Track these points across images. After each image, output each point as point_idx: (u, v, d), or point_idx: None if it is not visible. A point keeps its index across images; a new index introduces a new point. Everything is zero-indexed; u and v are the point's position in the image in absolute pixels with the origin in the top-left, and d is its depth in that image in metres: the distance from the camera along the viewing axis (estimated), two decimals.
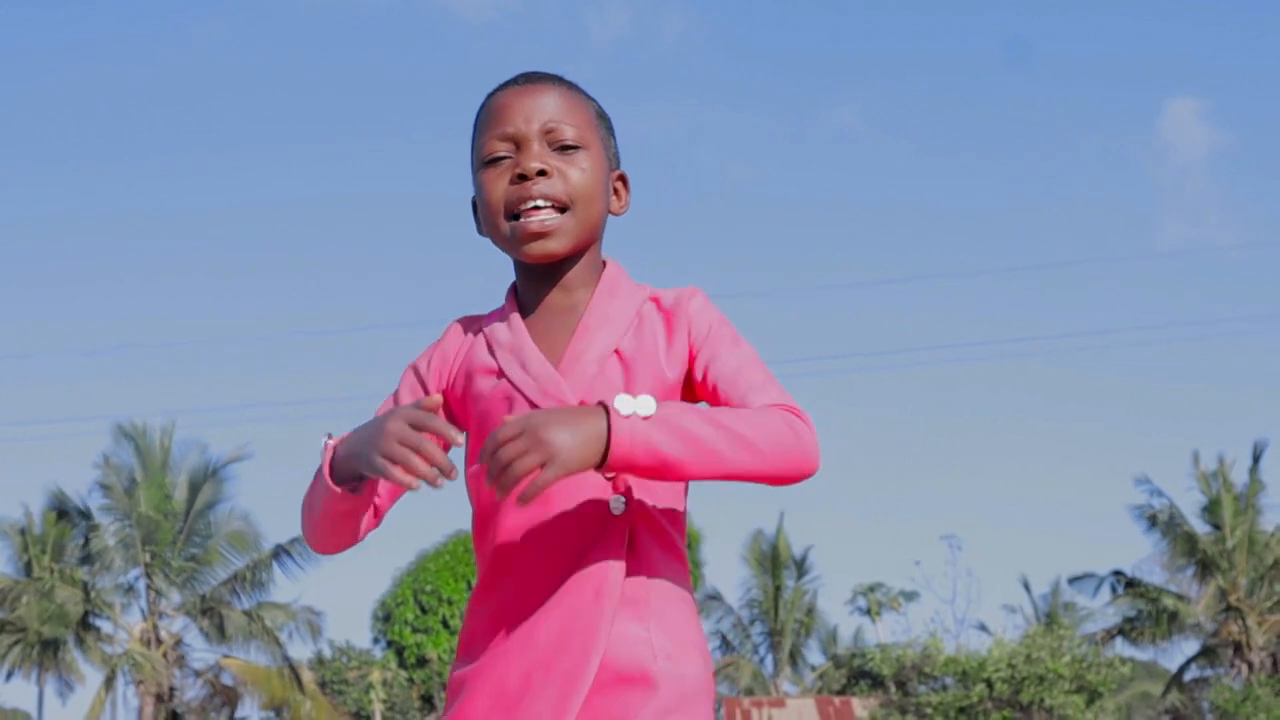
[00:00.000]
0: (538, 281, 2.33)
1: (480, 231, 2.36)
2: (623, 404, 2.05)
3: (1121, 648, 34.44)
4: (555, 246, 2.27)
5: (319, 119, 52.97)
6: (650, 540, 2.19)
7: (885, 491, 58.78)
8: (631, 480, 2.17)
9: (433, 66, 52.50)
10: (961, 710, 26.72)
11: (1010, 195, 55.88)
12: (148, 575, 32.81)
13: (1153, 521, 33.42)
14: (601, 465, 2.03)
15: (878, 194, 55.27)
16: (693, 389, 2.29)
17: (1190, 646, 34.40)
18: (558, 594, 2.13)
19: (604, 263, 2.38)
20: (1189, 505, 34.83)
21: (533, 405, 2.19)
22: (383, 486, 2.29)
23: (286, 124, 53.01)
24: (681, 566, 2.24)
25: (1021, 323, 55.24)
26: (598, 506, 2.17)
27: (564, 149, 2.28)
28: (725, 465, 2.09)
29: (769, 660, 41.72)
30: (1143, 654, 35.48)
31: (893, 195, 55.31)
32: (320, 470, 2.19)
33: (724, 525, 65.79)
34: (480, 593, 2.24)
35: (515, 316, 2.32)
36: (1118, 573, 34.79)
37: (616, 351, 2.26)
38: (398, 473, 2.00)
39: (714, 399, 2.25)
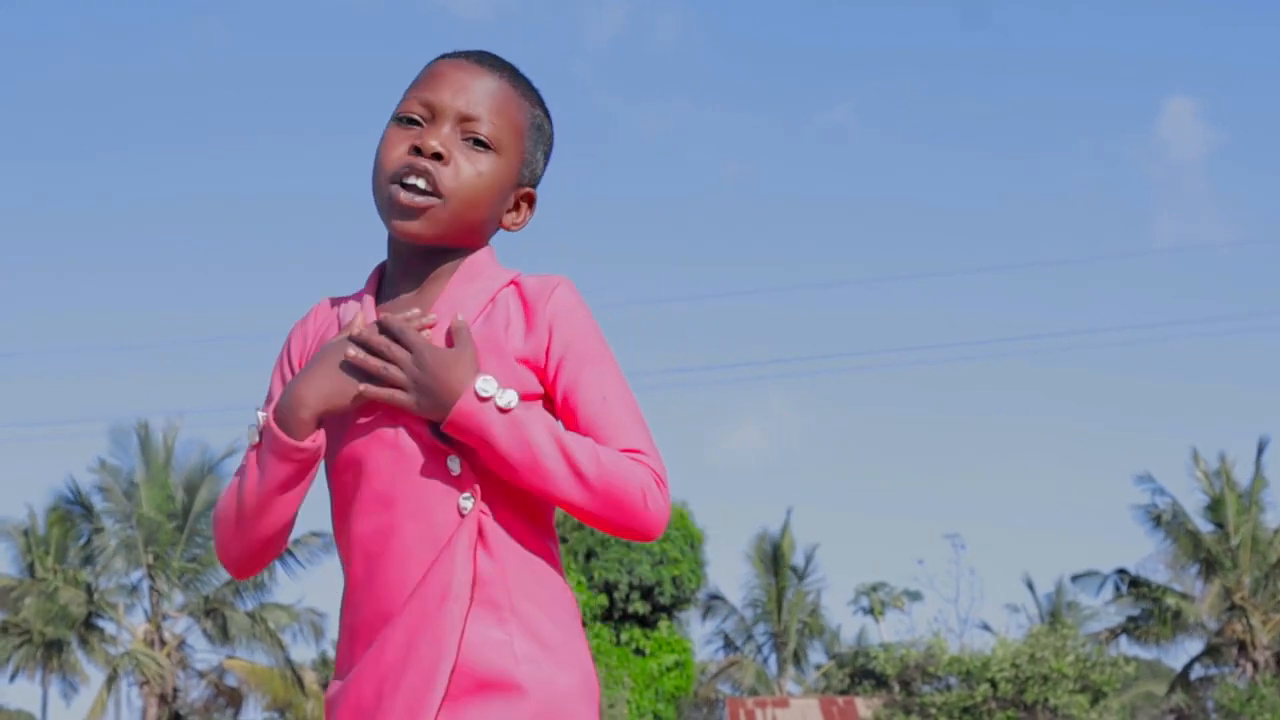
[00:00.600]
0: (403, 266, 2.22)
1: (371, 184, 2.24)
2: (486, 386, 2.04)
3: (1126, 647, 34.54)
4: (418, 229, 2.15)
5: (321, 114, 53.02)
6: (508, 540, 2.10)
7: (888, 491, 58.81)
8: (484, 479, 2.09)
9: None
10: (965, 710, 26.71)
11: (1008, 193, 55.90)
12: (150, 576, 32.82)
13: (1156, 520, 33.41)
14: (440, 424, 2.06)
15: (874, 192, 55.31)
16: (550, 402, 2.17)
17: (1195, 645, 34.45)
18: (408, 602, 2.05)
19: (471, 264, 2.24)
20: (1192, 504, 34.86)
21: (384, 407, 2.10)
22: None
23: (289, 117, 53.06)
24: (552, 567, 2.15)
25: (1022, 321, 55.25)
26: (448, 510, 2.07)
27: (476, 143, 2.18)
28: (554, 492, 2.06)
29: (772, 660, 41.72)
30: (1147, 653, 35.50)
31: (889, 193, 55.35)
32: (268, 445, 2.09)
33: (727, 525, 65.76)
34: (343, 606, 2.16)
35: (369, 300, 2.22)
36: (1121, 571, 34.81)
37: None
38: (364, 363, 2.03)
39: (571, 426, 2.14)
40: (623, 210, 53.74)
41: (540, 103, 2.27)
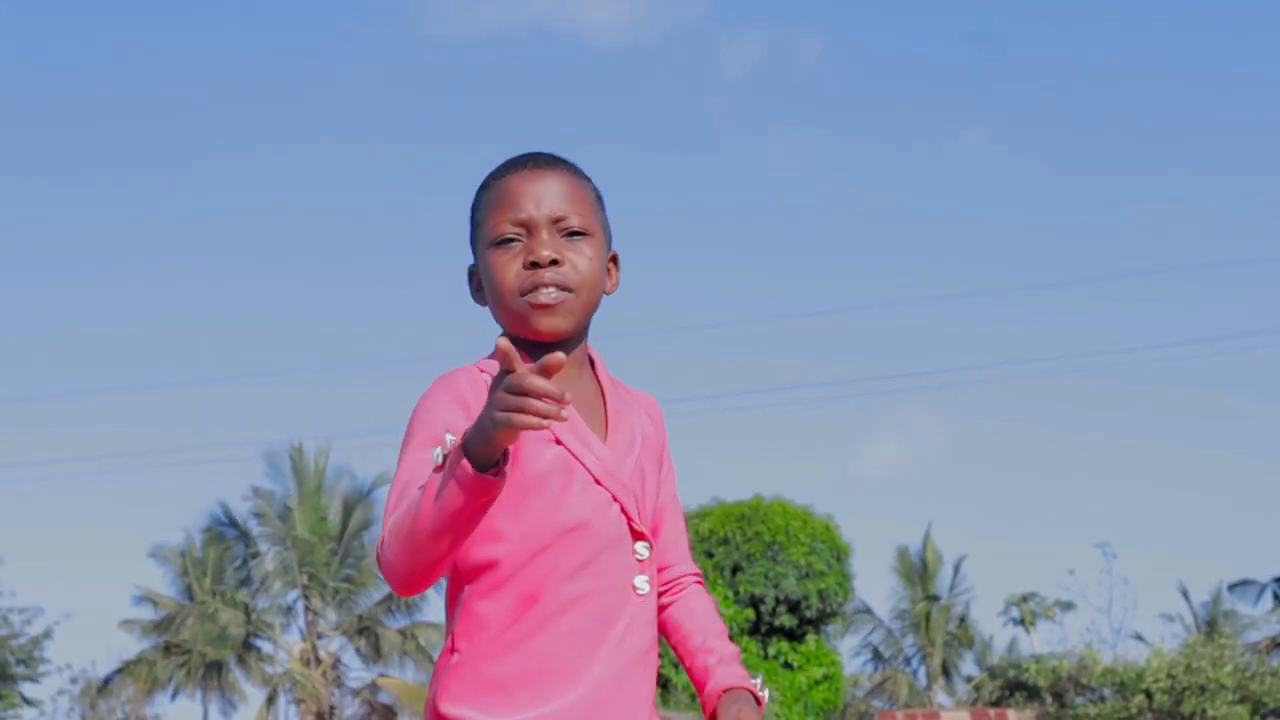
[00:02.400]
0: (540, 354, 2.34)
1: (476, 299, 2.47)
2: (761, 693, 2.44)
3: None
4: (563, 324, 2.37)
5: (467, 145, 53.50)
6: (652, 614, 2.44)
7: (1037, 500, 57.97)
8: (652, 566, 2.39)
9: (565, 95, 52.84)
10: None
11: (1160, 203, 54.86)
12: (305, 596, 33.39)
13: None
14: None
15: (1014, 209, 54.57)
16: None
17: None
18: (601, 660, 2.30)
19: (587, 349, 2.47)
20: None
21: (595, 480, 2.32)
22: None
23: (444, 148, 53.44)
24: None
25: (1175, 327, 54.20)
26: (628, 586, 2.36)
27: (571, 235, 2.38)
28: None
29: (921, 673, 41.36)
30: None
31: (1034, 209, 54.58)
32: (451, 471, 2.10)
33: (874, 538, 65.32)
34: (506, 645, 2.28)
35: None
36: None
37: (644, 437, 2.45)
38: (528, 418, 2.00)
39: (656, 535, 2.45)
40: (761, 230, 53.67)
41: (588, 176, 2.49)
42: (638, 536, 2.35)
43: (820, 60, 52.63)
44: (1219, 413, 54.78)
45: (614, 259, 2.50)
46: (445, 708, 2.26)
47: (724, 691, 2.40)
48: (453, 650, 2.30)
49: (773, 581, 31.20)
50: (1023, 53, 52.24)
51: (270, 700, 33.17)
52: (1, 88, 50.74)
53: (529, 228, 2.37)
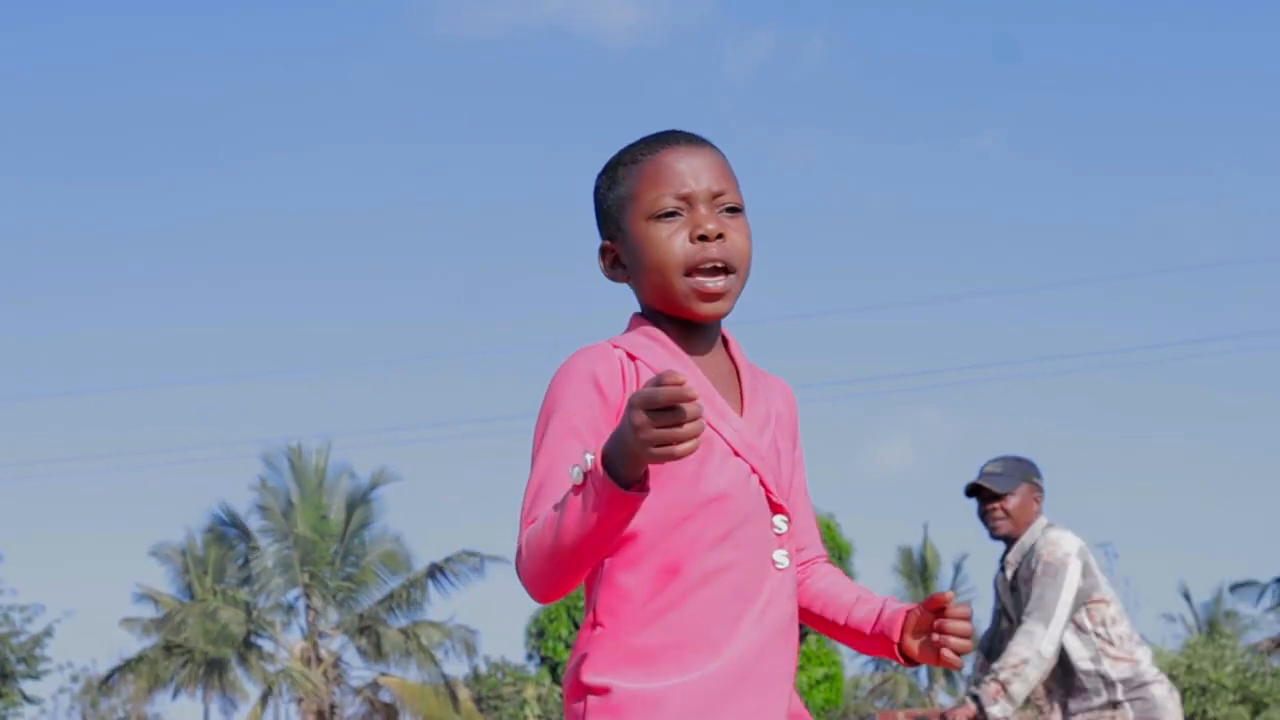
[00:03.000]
0: (685, 334, 2.40)
1: (611, 275, 2.45)
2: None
3: None
4: (726, 308, 2.38)
5: (476, 134, 53.33)
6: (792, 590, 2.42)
7: None
8: (791, 540, 2.39)
9: (572, 96, 52.77)
10: None
11: (1155, 203, 54.84)
12: (306, 595, 33.40)
13: None
14: None
15: (1016, 209, 54.51)
16: None
17: None
18: (743, 632, 2.29)
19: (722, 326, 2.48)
20: None
21: (735, 453, 2.31)
22: None
23: (447, 147, 53.25)
24: None
25: (1179, 327, 54.14)
26: (768, 559, 2.34)
27: (729, 210, 2.38)
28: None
29: (923, 673, 41.36)
30: None
31: (1038, 209, 54.53)
32: (595, 490, 2.08)
33: (875, 538, 65.32)
34: (649, 616, 2.27)
35: (686, 357, 2.38)
36: None
37: (777, 417, 2.43)
38: (688, 445, 1.99)
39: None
40: (767, 229, 53.59)
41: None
42: (776, 510, 2.34)
43: (828, 60, 52.60)
44: (1222, 412, 54.73)
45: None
46: (589, 678, 2.25)
47: (909, 610, 2.37)
48: (595, 624, 2.29)
49: None
50: (1034, 53, 52.20)
51: (265, 698, 33.18)
52: None
53: (690, 202, 2.36)
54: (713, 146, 2.43)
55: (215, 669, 33.86)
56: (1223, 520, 54.94)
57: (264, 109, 51.96)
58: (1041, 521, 5.86)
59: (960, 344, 53.86)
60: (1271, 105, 52.03)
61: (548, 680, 37.09)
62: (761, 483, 2.32)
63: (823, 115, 53.13)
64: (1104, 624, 5.66)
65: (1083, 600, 5.65)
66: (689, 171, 2.37)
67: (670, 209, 2.36)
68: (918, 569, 40.85)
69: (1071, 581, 5.61)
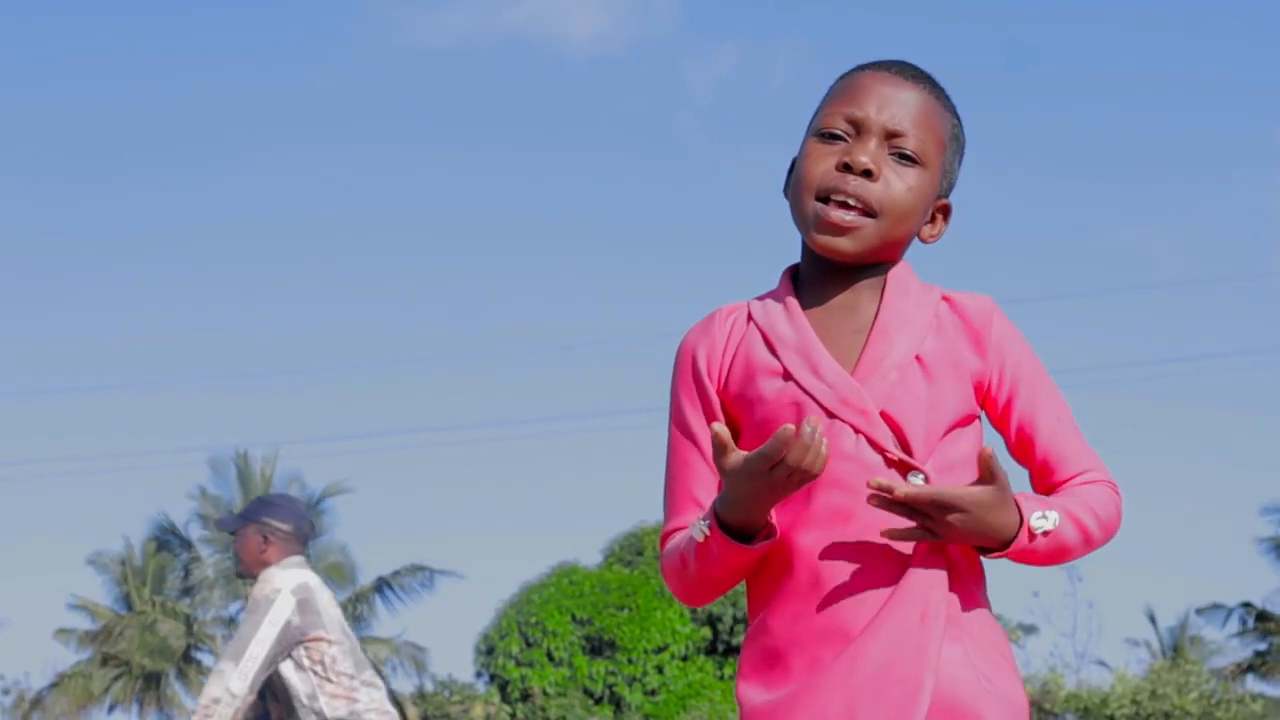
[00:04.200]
0: (824, 274, 2.21)
1: (785, 194, 2.26)
2: (1041, 524, 2.08)
3: (1252, 683, 33.59)
4: (847, 246, 2.16)
5: (427, 131, 52.91)
6: (961, 560, 2.12)
7: None
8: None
9: (534, 106, 52.32)
10: None
11: (1118, 219, 54.76)
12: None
13: None
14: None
15: (978, 225, 54.32)
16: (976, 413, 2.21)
17: None
18: (879, 617, 2.05)
19: (885, 277, 2.23)
20: None
21: (829, 414, 2.09)
22: None
23: (407, 150, 52.78)
24: (983, 581, 2.17)
25: (1143, 346, 54.00)
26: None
27: (902, 157, 2.17)
28: (1063, 561, 2.16)
29: None
30: (1275, 690, 34.34)
31: (997, 225, 54.33)
32: (719, 548, 2.08)
33: None
34: (776, 612, 2.13)
35: (797, 309, 2.20)
36: (1247, 605, 33.91)
37: (917, 357, 2.14)
38: (811, 471, 1.99)
39: (1018, 447, 2.21)
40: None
41: (956, 112, 2.28)
42: (906, 469, 2.08)
43: (792, 75, 52.24)
44: (1189, 434, 54.61)
45: (943, 208, 2.28)
46: (739, 687, 2.16)
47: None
48: (749, 625, 2.21)
49: (730, 599, 30.60)
50: (999, 68, 51.98)
51: None
52: None
53: (860, 129, 2.17)
54: (928, 88, 2.22)
55: (153, 683, 33.17)
56: (1188, 543, 54.80)
57: (219, 115, 51.50)
58: (286, 562, 5.93)
59: None
60: (1226, 123, 51.97)
61: (497, 699, 36.54)
62: (871, 442, 2.09)
63: (785, 130, 52.64)
64: (323, 662, 5.82)
65: (296, 638, 5.76)
66: (873, 99, 2.18)
67: (836, 130, 2.18)
68: None
69: (275, 618, 5.72)
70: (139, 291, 51.88)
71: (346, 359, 52.67)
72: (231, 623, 33.38)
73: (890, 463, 2.08)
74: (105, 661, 33.23)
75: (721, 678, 31.59)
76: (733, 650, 31.62)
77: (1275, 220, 53.75)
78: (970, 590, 2.12)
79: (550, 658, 36.76)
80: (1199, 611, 35.24)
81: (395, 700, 32.94)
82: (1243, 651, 34.59)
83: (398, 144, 52.18)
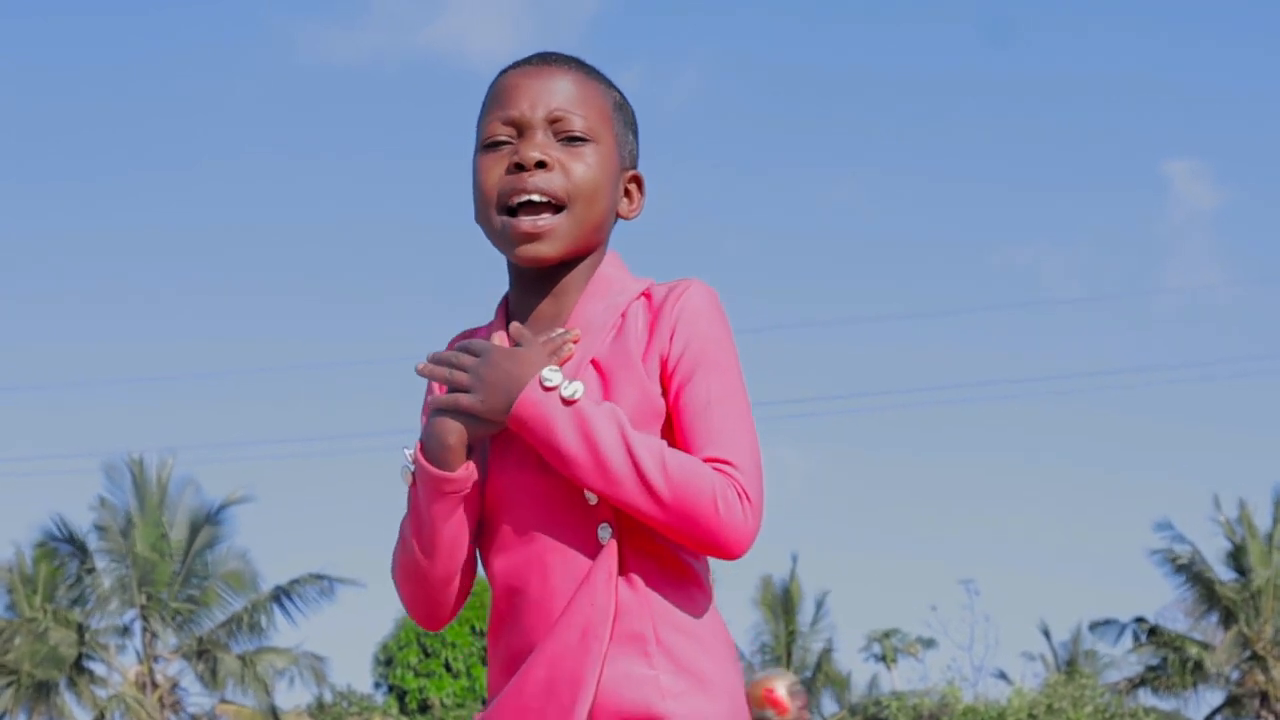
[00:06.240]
0: (529, 286, 2.17)
1: (476, 219, 2.19)
2: (551, 376, 2.00)
3: (1145, 698, 33.95)
4: (548, 250, 2.11)
5: (329, 147, 52.51)
6: (651, 568, 2.04)
7: (900, 534, 57.98)
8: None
9: (441, 120, 52.13)
10: None
11: (1017, 230, 55.38)
12: (144, 617, 32.22)
13: (1175, 567, 32.86)
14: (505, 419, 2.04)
15: (884, 230, 54.75)
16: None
17: (1215, 696, 33.82)
18: (548, 636, 2.01)
19: (596, 271, 2.19)
20: (1212, 551, 34.18)
21: (509, 433, 2.07)
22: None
23: (299, 146, 52.45)
24: (700, 594, 2.08)
25: (1036, 361, 54.59)
26: (587, 541, 2.03)
27: (570, 140, 2.13)
28: (620, 496, 1.98)
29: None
30: (1166, 704, 34.74)
31: (898, 232, 54.76)
32: (420, 481, 2.07)
33: (736, 570, 64.96)
34: (489, 637, 2.14)
35: (500, 334, 2.16)
36: (1140, 619, 34.23)
37: (593, 362, 2.08)
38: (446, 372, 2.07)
39: (675, 429, 2.07)
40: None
41: (613, 84, 2.23)
42: None
43: (695, 95, 52.36)
44: (1085, 450, 55.31)
45: (637, 180, 2.24)
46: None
47: None
48: None
49: None
50: (903, 89, 52.42)
51: None
52: None
53: (521, 128, 2.12)
54: (576, 68, 2.17)
55: (43, 692, 32.40)
56: (1082, 558, 55.48)
57: (129, 126, 50.69)
58: None
59: (824, 372, 53.93)
60: (1124, 141, 52.77)
61: (395, 709, 36.27)
62: None
63: (693, 146, 52.83)
64: None
65: None
66: (525, 95, 2.13)
67: (499, 138, 2.13)
68: (779, 601, 40.37)
69: None
70: (31, 295, 51.01)
71: (246, 364, 52.04)
72: (126, 632, 32.83)
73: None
74: None
75: None
76: None
77: (1166, 233, 54.67)
78: (671, 605, 2.04)
79: (449, 669, 36.55)
80: (1092, 627, 35.60)
81: (275, 714, 32.55)
82: (1136, 666, 34.98)
83: (301, 157, 51.88)
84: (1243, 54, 52.52)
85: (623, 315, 2.12)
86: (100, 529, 32.25)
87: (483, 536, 2.13)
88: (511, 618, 2.08)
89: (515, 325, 2.09)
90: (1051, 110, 52.87)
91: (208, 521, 32.63)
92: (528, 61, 2.17)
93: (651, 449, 1.98)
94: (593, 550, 2.02)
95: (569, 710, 1.96)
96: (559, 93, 2.13)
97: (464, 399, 2.03)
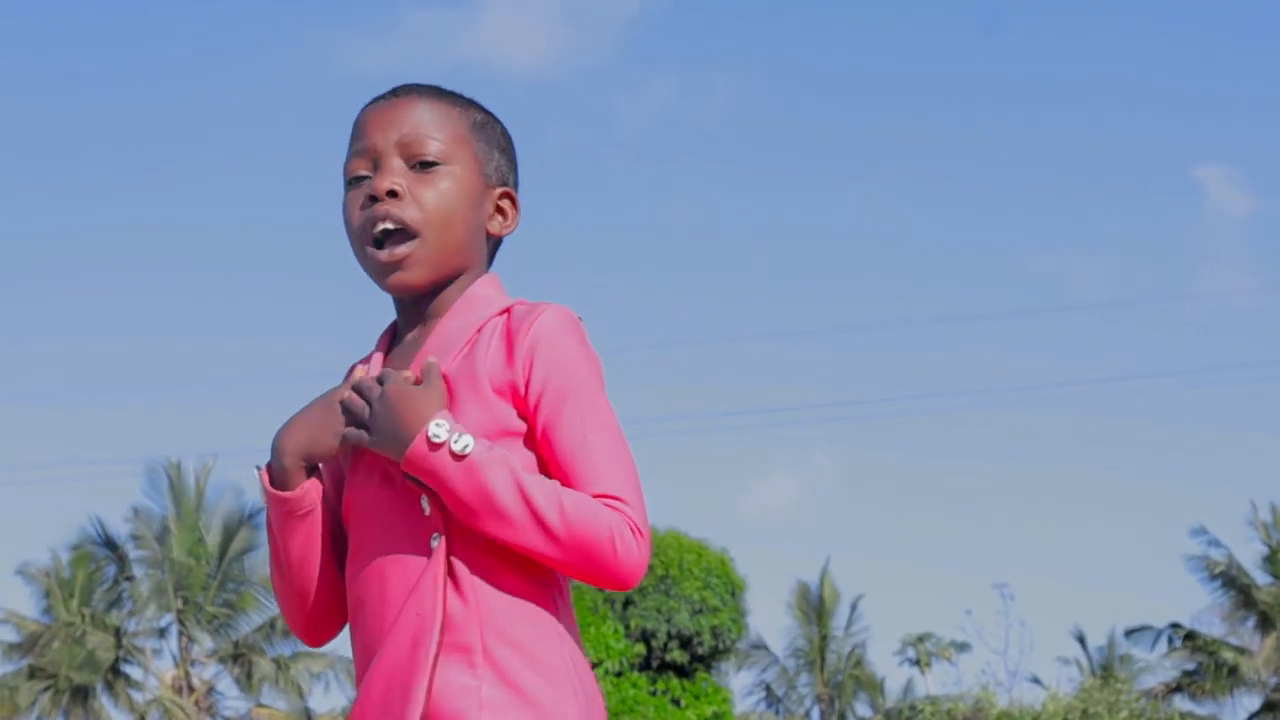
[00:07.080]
0: (405, 312, 2.22)
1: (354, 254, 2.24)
2: (438, 432, 1.99)
3: (1180, 703, 33.72)
4: (412, 278, 2.14)
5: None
6: (483, 581, 2.04)
7: (935, 539, 57.85)
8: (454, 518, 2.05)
9: None
10: None
11: (1048, 243, 55.17)
12: (180, 621, 32.42)
13: (1211, 572, 32.72)
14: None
15: (914, 237, 54.64)
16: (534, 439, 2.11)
17: (1252, 701, 33.60)
18: (383, 648, 2.03)
19: (470, 294, 2.21)
20: (1249, 556, 33.99)
21: (373, 453, 2.10)
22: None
23: (337, 156, 52.62)
24: (543, 608, 2.07)
25: (1070, 367, 54.37)
26: (420, 552, 2.05)
27: (424, 165, 2.15)
28: (518, 540, 2.00)
29: (815, 714, 40.84)
30: (1203, 709, 34.56)
31: (930, 238, 54.63)
32: (265, 500, 2.13)
33: (770, 574, 64.85)
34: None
35: (377, 357, 2.22)
36: (1175, 625, 34.06)
37: (443, 376, 2.09)
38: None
39: (551, 466, 2.08)
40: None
41: (476, 104, 2.25)
42: (419, 492, 2.06)
43: (728, 106, 52.37)
44: (1120, 455, 55.04)
45: (505, 196, 2.23)
46: None
47: None
48: None
49: (665, 616, 30.56)
50: (928, 98, 52.30)
51: None
52: None
53: (375, 159, 2.15)
54: (429, 95, 2.19)
55: (80, 696, 32.66)
56: (1118, 564, 55.21)
57: (172, 135, 51.02)
58: None
59: (858, 378, 53.81)
60: (1148, 151, 52.51)
61: None
62: (385, 471, 2.09)
63: (723, 157, 52.86)
64: None
65: None
66: (377, 127, 2.16)
67: (359, 173, 2.17)
68: (814, 606, 40.32)
69: None
70: (69, 299, 51.34)
71: (286, 368, 52.26)
72: (163, 636, 33.03)
73: (406, 489, 2.07)
74: (33, 674, 32.75)
75: (654, 694, 31.57)
76: (667, 666, 31.60)
77: (1197, 237, 54.39)
78: (506, 619, 2.03)
79: None
80: (1128, 634, 35.47)
81: (310, 717, 32.65)
82: (1171, 671, 34.77)
83: (338, 169, 51.97)
84: (1274, 61, 52.29)
85: (477, 331, 2.13)
86: (136, 538, 32.51)
87: (348, 551, 2.16)
88: (357, 628, 2.11)
89: (427, 361, 2.09)
90: (1083, 117, 52.74)
91: (243, 525, 32.81)
92: (380, 96, 2.20)
93: (548, 493, 1.99)
94: (424, 560, 2.04)
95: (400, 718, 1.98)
96: (409, 120, 2.15)
97: (364, 436, 2.06)
